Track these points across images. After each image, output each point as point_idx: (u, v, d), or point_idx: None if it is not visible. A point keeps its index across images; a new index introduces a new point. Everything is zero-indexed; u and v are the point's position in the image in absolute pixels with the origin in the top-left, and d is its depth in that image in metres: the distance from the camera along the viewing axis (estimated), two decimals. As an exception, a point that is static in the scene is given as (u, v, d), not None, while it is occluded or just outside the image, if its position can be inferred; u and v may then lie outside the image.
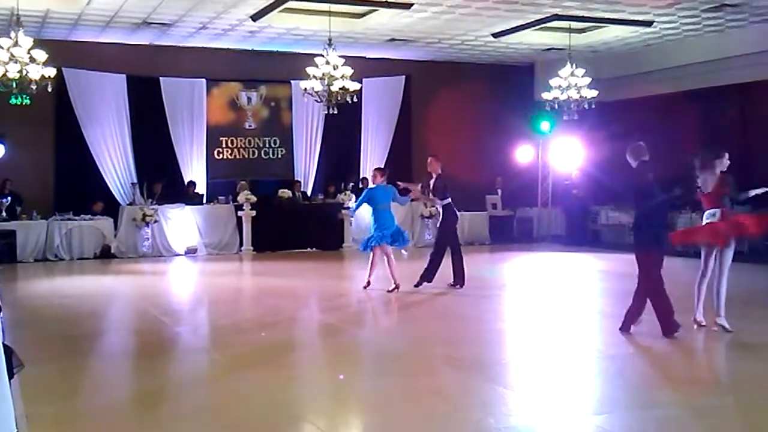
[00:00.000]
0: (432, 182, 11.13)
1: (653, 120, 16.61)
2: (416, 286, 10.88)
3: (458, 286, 11.03)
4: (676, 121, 15.81)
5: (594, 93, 15.49)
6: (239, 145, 17.73)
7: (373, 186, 11.07)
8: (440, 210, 11.13)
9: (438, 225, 11.18)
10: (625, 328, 7.68)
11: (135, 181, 16.19)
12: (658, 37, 15.73)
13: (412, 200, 11.44)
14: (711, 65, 15.50)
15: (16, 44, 11.99)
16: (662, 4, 13.22)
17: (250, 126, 17.83)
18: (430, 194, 11.32)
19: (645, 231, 7.54)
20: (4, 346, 4.17)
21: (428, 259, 11.06)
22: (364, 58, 17.11)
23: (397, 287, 10.58)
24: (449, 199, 11.05)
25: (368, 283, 10.81)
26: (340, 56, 13.85)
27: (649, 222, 7.53)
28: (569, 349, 7.42)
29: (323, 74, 13.71)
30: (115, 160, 16.46)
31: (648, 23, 14.50)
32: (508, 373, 6.59)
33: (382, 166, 11.63)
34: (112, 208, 15.63)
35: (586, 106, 15.58)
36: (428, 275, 10.99)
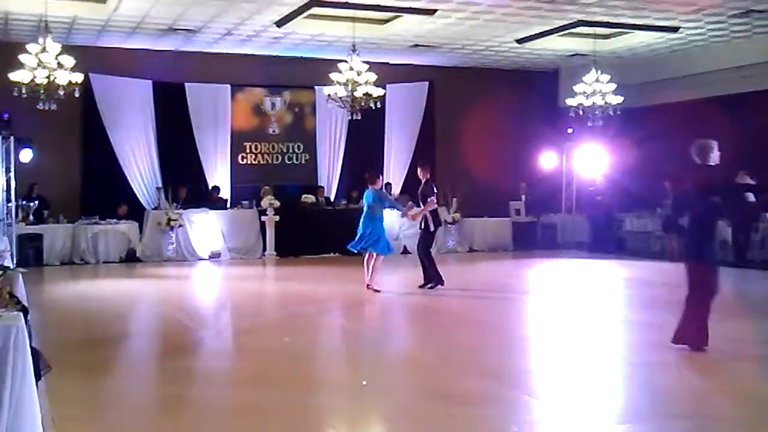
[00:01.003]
0: (420, 189, 11.59)
1: (679, 127, 16.41)
2: (431, 287, 11.30)
3: (432, 286, 11.36)
4: (701, 127, 15.55)
5: (619, 99, 15.39)
6: (263, 151, 17.82)
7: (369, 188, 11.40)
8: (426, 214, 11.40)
9: (424, 230, 11.44)
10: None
11: (160, 185, 16.33)
12: (684, 43, 15.60)
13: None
14: (738, 71, 15.36)
15: (44, 50, 12.15)
16: (688, 10, 13.12)
17: (274, 131, 17.92)
18: (420, 201, 11.61)
19: (698, 238, 7.26)
20: (32, 349, 4.23)
21: (426, 265, 11.45)
22: (388, 64, 17.12)
23: (368, 286, 11.13)
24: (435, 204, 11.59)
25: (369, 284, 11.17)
26: (363, 62, 13.88)
27: (703, 229, 7.25)
28: (593, 357, 7.36)
29: (347, 80, 13.75)
30: (140, 165, 16.60)
31: (674, 29, 14.39)
32: (532, 381, 6.55)
33: (373, 171, 11.89)
34: (137, 213, 15.76)
35: (611, 112, 15.50)
36: (438, 277, 11.33)
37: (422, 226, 11.41)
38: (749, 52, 15.04)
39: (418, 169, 11.91)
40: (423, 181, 11.59)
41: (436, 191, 11.55)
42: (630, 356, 7.39)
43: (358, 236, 11.18)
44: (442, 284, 11.36)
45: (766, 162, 15.38)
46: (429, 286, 11.34)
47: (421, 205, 11.45)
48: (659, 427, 5.21)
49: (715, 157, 7.36)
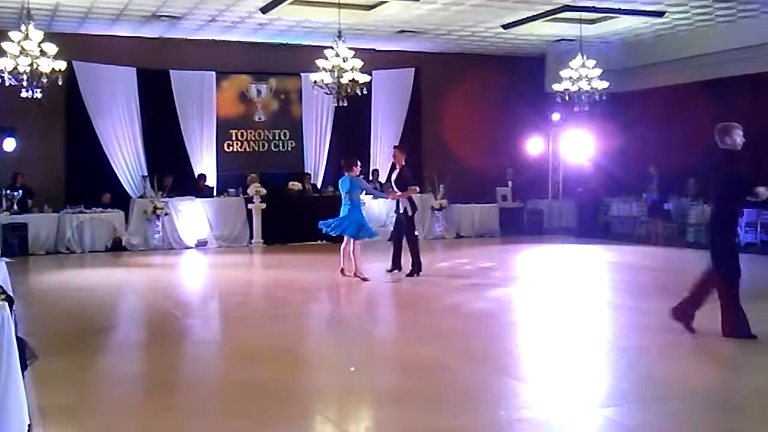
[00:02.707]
0: (397, 174, 11.58)
1: (664, 111, 16.53)
2: (409, 275, 11.27)
3: (416, 274, 11.32)
4: (687, 112, 15.72)
5: (605, 84, 15.42)
6: (249, 138, 17.76)
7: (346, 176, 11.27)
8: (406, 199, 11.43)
9: (405, 214, 11.42)
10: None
11: (145, 173, 16.24)
12: (670, 27, 15.63)
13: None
14: (723, 56, 15.40)
15: (26, 38, 12.03)
16: (674, -6, 13.15)
17: (260, 118, 17.85)
18: (395, 186, 11.59)
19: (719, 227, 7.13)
20: (18, 338, 4.21)
21: (409, 252, 11.42)
22: (374, 50, 17.07)
23: (342, 271, 11.14)
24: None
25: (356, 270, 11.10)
26: (349, 48, 13.81)
27: (724, 217, 7.11)
28: (580, 342, 7.41)
29: (333, 66, 13.69)
30: (125, 153, 16.51)
31: (659, 13, 14.41)
32: (519, 366, 6.59)
33: (350, 158, 11.63)
34: (122, 201, 15.69)
35: (597, 97, 15.52)
36: (419, 264, 11.34)
37: (405, 211, 11.39)
38: (734, 37, 15.09)
39: (395, 153, 11.90)
40: (400, 166, 11.62)
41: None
42: (616, 340, 7.44)
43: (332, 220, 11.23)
44: (419, 273, 11.29)
45: (750, 146, 15.47)
46: (416, 274, 11.27)
47: (396, 189, 11.47)
48: (645, 410, 5.25)
49: (729, 141, 7.16)
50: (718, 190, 7.20)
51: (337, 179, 17.16)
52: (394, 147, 12.28)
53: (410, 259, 11.39)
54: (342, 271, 11.21)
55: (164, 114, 16.62)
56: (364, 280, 10.92)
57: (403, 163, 11.67)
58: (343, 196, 11.24)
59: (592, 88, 15.43)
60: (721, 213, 7.15)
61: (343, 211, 11.14)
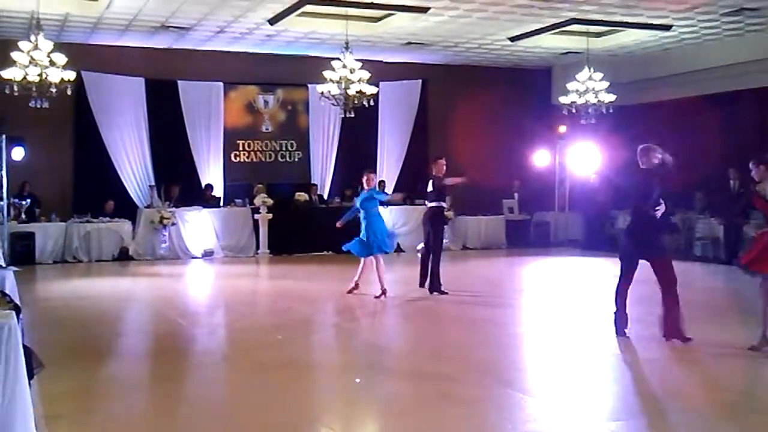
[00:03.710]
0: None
1: (671, 124, 16.48)
2: (434, 292, 10.87)
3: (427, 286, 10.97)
4: (694, 125, 15.70)
5: (612, 97, 15.42)
6: (256, 149, 17.80)
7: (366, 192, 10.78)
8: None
9: (438, 227, 11.13)
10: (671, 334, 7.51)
11: (153, 183, 16.29)
12: (677, 41, 15.64)
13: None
14: (730, 69, 15.40)
15: (36, 48, 12.11)
16: (681, 8, 13.15)
17: (267, 129, 17.90)
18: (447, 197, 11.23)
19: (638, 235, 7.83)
20: (24, 347, 4.22)
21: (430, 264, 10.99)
22: (381, 61, 17.12)
23: (383, 293, 10.51)
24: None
25: (356, 286, 10.73)
26: (357, 60, 13.88)
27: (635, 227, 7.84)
28: (586, 355, 7.38)
29: (340, 78, 13.75)
30: (133, 163, 16.56)
31: (667, 27, 14.42)
32: (525, 378, 6.57)
33: (371, 170, 11.26)
34: (130, 211, 15.73)
35: (604, 110, 15.53)
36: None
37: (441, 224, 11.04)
38: (741, 50, 15.08)
39: (444, 162, 11.34)
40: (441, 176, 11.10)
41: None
42: (622, 353, 7.41)
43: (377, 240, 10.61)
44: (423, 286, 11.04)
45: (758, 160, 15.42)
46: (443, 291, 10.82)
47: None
48: (651, 424, 5.23)
49: (646, 161, 7.90)
50: (632, 203, 8.00)
51: (343, 190, 17.40)
52: (441, 158, 11.62)
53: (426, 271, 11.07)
54: (385, 292, 10.53)
55: (172, 124, 16.67)
56: (351, 292, 10.70)
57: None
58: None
59: (598, 100, 15.44)
60: (635, 223, 8.00)
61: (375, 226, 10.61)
